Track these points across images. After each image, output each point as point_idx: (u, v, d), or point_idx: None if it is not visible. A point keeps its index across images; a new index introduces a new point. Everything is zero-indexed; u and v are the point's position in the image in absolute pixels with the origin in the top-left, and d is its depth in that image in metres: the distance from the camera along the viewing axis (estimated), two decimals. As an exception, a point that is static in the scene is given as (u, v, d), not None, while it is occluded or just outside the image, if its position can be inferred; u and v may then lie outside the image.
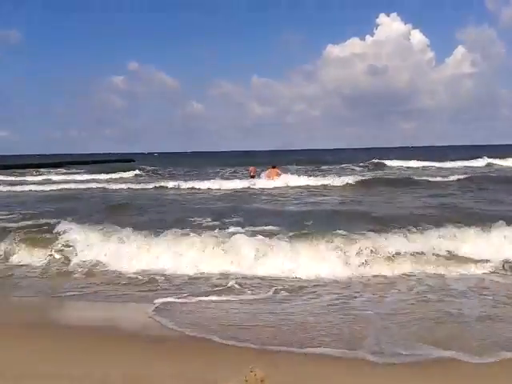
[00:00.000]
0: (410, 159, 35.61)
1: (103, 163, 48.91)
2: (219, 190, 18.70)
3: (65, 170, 39.59)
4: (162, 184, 20.78)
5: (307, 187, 18.21)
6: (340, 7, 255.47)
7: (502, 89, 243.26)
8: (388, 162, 34.66)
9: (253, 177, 25.65)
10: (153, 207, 13.44)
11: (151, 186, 20.81)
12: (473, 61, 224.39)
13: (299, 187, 18.22)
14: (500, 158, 32.90)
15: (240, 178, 24.15)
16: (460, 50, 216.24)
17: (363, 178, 20.39)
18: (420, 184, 18.23)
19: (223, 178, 26.82)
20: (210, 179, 22.32)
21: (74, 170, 38.67)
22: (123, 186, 21.37)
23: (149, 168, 38.09)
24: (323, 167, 33.68)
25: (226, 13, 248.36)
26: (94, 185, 22.40)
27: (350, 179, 19.11)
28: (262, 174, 21.49)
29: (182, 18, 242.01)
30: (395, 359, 4.01)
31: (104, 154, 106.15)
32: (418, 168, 31.35)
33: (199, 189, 19.14)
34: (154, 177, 31.41)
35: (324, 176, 22.30)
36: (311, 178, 20.72)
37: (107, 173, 32.05)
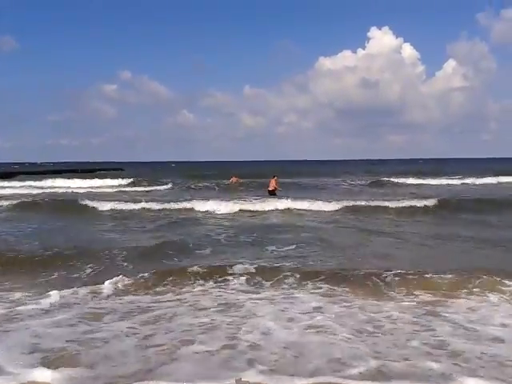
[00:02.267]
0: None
1: (91, 172, 48.36)
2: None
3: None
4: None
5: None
6: (332, 20, 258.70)
7: (492, 103, 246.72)
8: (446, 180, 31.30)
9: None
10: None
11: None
12: (464, 75, 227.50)
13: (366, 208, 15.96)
14: None
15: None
16: (451, 64, 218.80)
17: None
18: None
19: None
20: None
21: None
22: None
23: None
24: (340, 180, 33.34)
25: (219, 24, 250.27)
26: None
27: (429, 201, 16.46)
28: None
29: (175, 28, 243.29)
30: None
31: (94, 162, 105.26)
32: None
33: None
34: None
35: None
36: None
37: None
